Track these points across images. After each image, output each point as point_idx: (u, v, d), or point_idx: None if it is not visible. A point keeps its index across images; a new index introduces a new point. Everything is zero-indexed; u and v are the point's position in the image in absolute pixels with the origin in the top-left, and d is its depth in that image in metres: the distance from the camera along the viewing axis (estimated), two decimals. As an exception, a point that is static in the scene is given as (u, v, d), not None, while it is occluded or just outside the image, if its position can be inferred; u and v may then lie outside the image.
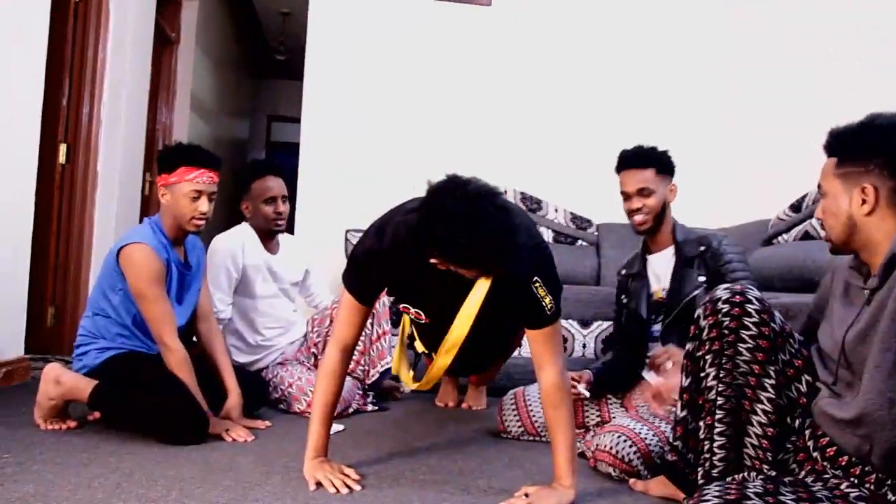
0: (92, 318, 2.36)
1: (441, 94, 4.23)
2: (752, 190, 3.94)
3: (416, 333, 2.61)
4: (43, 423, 2.26)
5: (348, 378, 2.79)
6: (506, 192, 3.95)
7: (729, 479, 1.53)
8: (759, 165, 4.06)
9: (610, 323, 3.16)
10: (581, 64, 4.26)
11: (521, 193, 3.99)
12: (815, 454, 1.53)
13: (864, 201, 1.47)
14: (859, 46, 4.00)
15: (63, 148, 3.65)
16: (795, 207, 3.40)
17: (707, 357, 1.56)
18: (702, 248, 2.41)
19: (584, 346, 3.42)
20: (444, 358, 2.00)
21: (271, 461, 2.01)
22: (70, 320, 3.65)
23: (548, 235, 3.94)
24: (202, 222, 2.36)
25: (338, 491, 1.78)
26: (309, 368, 2.85)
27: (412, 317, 2.13)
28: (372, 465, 2.06)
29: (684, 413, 1.65)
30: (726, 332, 1.54)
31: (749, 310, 1.53)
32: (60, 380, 2.25)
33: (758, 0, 4.25)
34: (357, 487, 1.81)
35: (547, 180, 4.12)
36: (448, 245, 1.58)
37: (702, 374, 1.58)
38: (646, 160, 2.45)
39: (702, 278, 2.36)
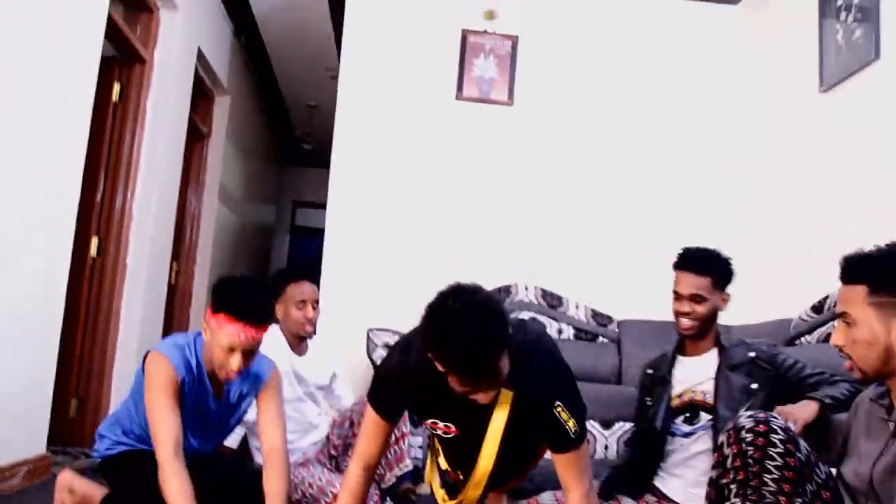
0: (122, 405, 2.35)
1: (463, 189, 4.31)
2: (768, 289, 3.93)
3: (440, 449, 2.56)
4: None
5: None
6: (527, 287, 3.98)
7: None
8: (777, 264, 4.06)
9: (632, 424, 3.11)
10: (601, 162, 4.34)
11: (542, 290, 4.01)
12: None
13: None
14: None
15: (95, 241, 3.74)
16: (817, 309, 3.39)
17: (732, 487, 1.54)
18: (752, 355, 2.35)
19: (607, 447, 3.37)
20: (476, 490, 2.00)
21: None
22: (92, 413, 3.67)
23: (568, 332, 3.93)
24: (233, 377, 2.16)
25: None
26: (330, 470, 2.83)
27: (440, 432, 2.05)
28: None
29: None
30: (751, 461, 1.52)
31: (774, 440, 1.52)
32: (73, 488, 2.27)
33: (779, 108, 4.33)
34: None
35: (567, 277, 4.14)
36: (441, 345, 1.63)
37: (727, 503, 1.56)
38: (706, 267, 2.38)
39: (754, 385, 2.29)
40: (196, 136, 5.12)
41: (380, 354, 3.48)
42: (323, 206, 4.38)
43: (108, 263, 3.79)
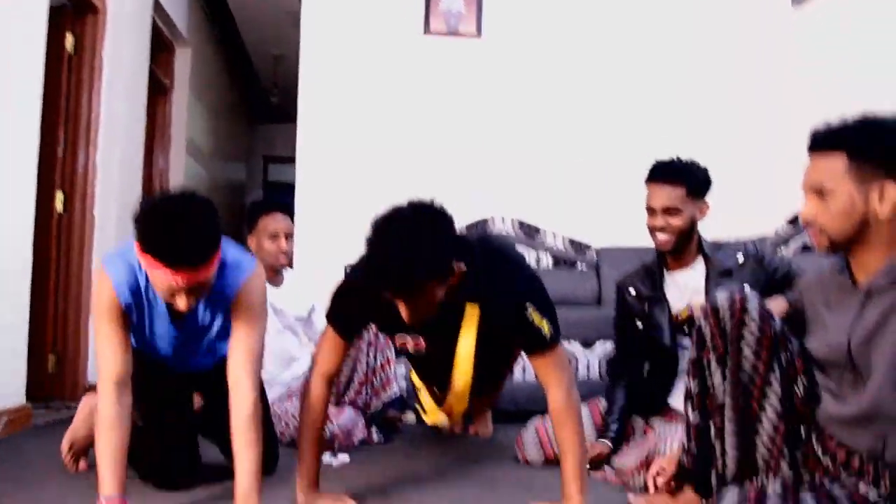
0: None
1: (435, 126, 4.26)
2: (742, 206, 3.93)
3: (415, 371, 2.53)
4: (67, 448, 2.26)
5: (350, 408, 2.76)
6: (503, 219, 3.96)
7: (747, 482, 1.50)
8: (752, 181, 4.07)
9: (612, 342, 3.06)
10: (573, 90, 4.29)
11: (519, 221, 3.99)
12: (824, 460, 1.51)
13: (881, 201, 1.42)
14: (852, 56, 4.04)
15: (60, 196, 3.66)
16: (794, 221, 3.42)
17: (712, 361, 1.55)
18: (740, 259, 2.29)
19: (588, 366, 3.39)
20: (460, 404, 2.06)
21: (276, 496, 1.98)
22: (71, 367, 3.63)
23: (547, 261, 3.93)
24: (187, 310, 1.77)
25: None
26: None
27: (410, 348, 2.04)
28: (378, 494, 2.03)
29: (696, 416, 1.63)
30: (729, 334, 1.52)
31: (749, 310, 1.52)
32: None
33: (750, 24, 4.30)
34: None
35: (544, 207, 4.12)
36: (368, 261, 1.70)
37: (708, 381, 1.57)
38: (678, 176, 2.28)
39: (747, 288, 2.29)
40: (159, 90, 4.99)
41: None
42: (292, 160, 4.31)
43: (75, 219, 3.70)
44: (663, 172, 2.31)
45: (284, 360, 2.93)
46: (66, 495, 1.93)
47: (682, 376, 2.30)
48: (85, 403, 2.32)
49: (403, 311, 1.71)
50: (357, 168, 4.20)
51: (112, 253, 1.90)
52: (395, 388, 2.84)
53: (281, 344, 2.91)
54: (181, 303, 1.71)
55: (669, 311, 2.36)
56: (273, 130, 8.54)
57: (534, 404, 2.77)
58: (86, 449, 2.27)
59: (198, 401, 2.31)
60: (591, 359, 3.39)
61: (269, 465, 2.13)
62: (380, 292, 1.71)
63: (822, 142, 1.51)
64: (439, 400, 2.33)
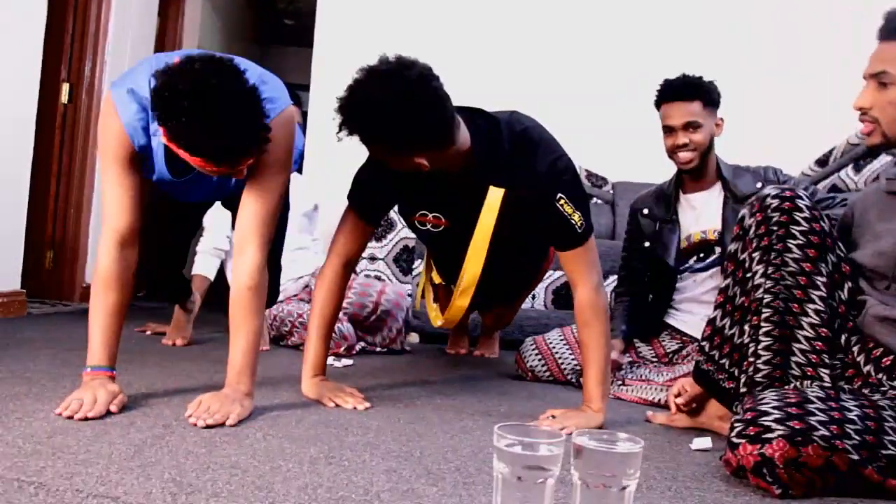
0: None
1: (456, 52, 4.10)
2: (769, 146, 3.81)
3: (433, 263, 2.36)
4: None
5: (347, 324, 2.67)
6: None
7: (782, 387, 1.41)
8: (781, 120, 3.94)
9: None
10: (597, 18, 4.13)
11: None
12: (867, 368, 1.42)
13: None
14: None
15: (66, 87, 3.53)
16: (822, 162, 3.29)
17: (754, 255, 1.44)
18: (759, 185, 2.24)
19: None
20: (463, 298, 1.86)
21: (277, 384, 1.91)
22: (69, 264, 3.54)
23: (563, 192, 3.83)
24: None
25: (352, 407, 1.68)
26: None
27: (430, 226, 1.86)
28: (385, 391, 1.95)
29: (717, 313, 1.53)
30: (775, 227, 1.42)
31: (800, 205, 1.42)
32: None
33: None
34: (366, 405, 1.69)
35: (562, 137, 3.97)
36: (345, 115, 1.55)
37: (748, 275, 1.46)
38: (693, 91, 2.25)
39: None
40: (171, -4, 4.81)
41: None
42: (307, 87, 4.17)
43: (80, 111, 3.58)
44: (677, 89, 2.27)
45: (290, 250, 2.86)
46: (59, 373, 1.85)
47: (683, 300, 2.33)
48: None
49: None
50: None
51: (120, 83, 1.58)
52: (399, 320, 2.77)
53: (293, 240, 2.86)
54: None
55: (679, 236, 2.33)
56: (285, 54, 8.32)
57: (542, 332, 2.69)
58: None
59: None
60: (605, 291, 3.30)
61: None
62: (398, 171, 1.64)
63: (889, 28, 1.39)
64: (446, 299, 2.25)
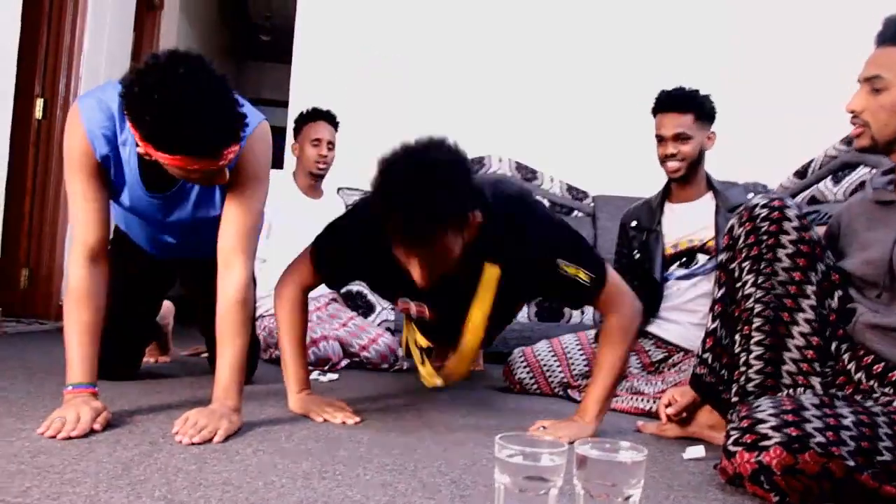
0: None
1: (436, 67, 4.12)
2: (748, 156, 3.86)
3: (415, 328, 2.18)
4: None
5: (334, 342, 2.64)
6: (501, 159, 3.84)
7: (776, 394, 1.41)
8: (758, 133, 3.99)
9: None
10: (578, 35, 4.17)
11: (517, 163, 3.87)
12: (857, 375, 1.43)
13: None
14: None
15: (40, 103, 3.48)
16: (801, 174, 3.33)
17: (744, 265, 1.45)
18: (750, 195, 2.30)
19: (583, 311, 3.31)
20: (462, 365, 1.85)
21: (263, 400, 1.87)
22: (44, 283, 3.47)
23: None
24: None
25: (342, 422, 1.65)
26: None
27: (413, 314, 1.84)
28: (372, 405, 1.93)
29: (716, 325, 1.53)
30: (765, 237, 1.42)
31: (789, 214, 1.43)
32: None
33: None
34: (356, 419, 1.67)
35: (543, 151, 4.02)
36: (383, 205, 1.43)
37: (737, 285, 1.46)
38: (686, 104, 2.31)
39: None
40: (148, 6, 4.76)
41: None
42: (284, 104, 4.15)
43: (55, 127, 3.52)
44: (671, 100, 2.34)
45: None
46: (38, 392, 1.80)
47: (667, 308, 2.35)
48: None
49: (416, 272, 1.49)
50: (355, 114, 4.03)
51: (88, 95, 1.57)
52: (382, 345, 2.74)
53: None
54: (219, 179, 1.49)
55: (663, 244, 2.37)
56: (262, 70, 8.30)
57: (526, 344, 2.68)
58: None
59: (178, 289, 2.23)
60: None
61: (247, 372, 1.84)
62: (385, 250, 1.53)
63: (887, 34, 1.42)
64: (438, 353, 2.22)
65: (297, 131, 3.01)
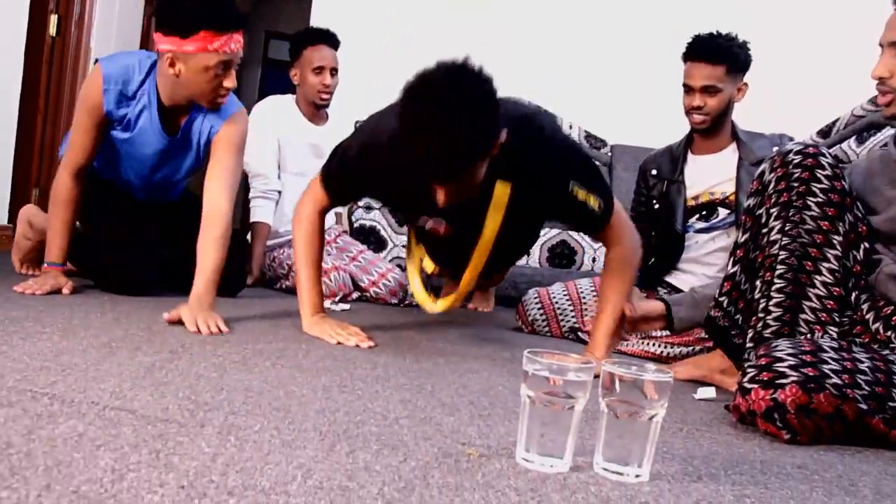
0: None
1: (455, 7, 4.04)
2: (771, 114, 3.81)
3: (426, 252, 2.22)
4: (19, 265, 2.31)
5: (345, 273, 2.64)
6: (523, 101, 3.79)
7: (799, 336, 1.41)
8: (783, 90, 3.92)
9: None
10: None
11: (537, 106, 3.82)
12: (875, 325, 1.43)
13: None
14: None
15: (54, 19, 3.42)
16: (824, 133, 3.29)
17: (772, 210, 1.44)
18: (775, 149, 2.25)
19: (595, 259, 3.31)
20: (466, 286, 1.83)
21: (279, 323, 1.89)
22: (56, 202, 3.47)
23: (559, 152, 3.80)
24: (226, 99, 1.92)
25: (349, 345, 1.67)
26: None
27: (428, 228, 1.82)
28: (386, 333, 1.94)
29: (735, 269, 1.53)
30: (796, 183, 1.41)
31: (823, 163, 1.41)
32: (32, 222, 2.27)
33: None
34: (370, 343, 1.68)
35: (563, 96, 3.94)
36: (412, 132, 1.42)
37: (763, 230, 1.46)
38: (720, 55, 2.19)
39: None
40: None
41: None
42: None
43: (69, 45, 3.47)
44: (704, 49, 2.22)
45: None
46: (52, 300, 1.81)
47: (686, 260, 2.31)
48: (22, 215, 2.32)
49: (440, 195, 1.48)
50: (375, 53, 3.97)
51: (116, 55, 1.99)
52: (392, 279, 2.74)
53: None
54: (230, 80, 1.85)
55: (685, 195, 2.32)
56: (277, 2, 8.15)
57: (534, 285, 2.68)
58: (37, 260, 2.24)
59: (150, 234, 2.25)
60: (599, 251, 3.31)
61: (234, 286, 2.29)
62: (400, 171, 1.55)
63: None
64: (437, 290, 2.21)
65: (295, 54, 2.79)
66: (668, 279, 2.35)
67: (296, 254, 1.80)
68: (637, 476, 0.92)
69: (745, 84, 2.27)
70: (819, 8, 4.03)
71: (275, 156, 2.73)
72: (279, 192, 2.75)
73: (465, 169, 1.44)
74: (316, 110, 2.82)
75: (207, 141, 2.03)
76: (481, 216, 1.66)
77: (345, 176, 1.76)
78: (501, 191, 1.62)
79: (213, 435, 0.89)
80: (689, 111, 2.27)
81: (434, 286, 2.45)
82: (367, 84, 3.90)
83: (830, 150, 3.07)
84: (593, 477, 0.91)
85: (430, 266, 2.26)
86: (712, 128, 2.28)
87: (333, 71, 2.75)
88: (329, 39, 2.77)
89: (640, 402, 0.91)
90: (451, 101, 1.37)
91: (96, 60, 1.96)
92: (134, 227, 2.15)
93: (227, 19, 1.78)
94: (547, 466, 0.91)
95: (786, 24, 4.02)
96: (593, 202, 1.63)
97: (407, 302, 2.70)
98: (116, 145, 2.03)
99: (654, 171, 2.41)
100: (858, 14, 3.68)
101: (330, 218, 2.91)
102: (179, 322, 1.63)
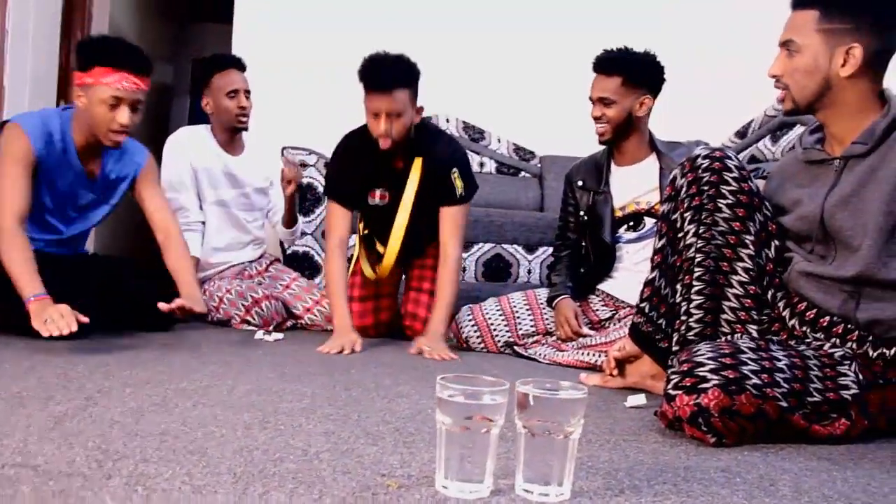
0: None
1: (381, 25, 4.04)
2: (691, 117, 3.91)
3: (369, 232, 2.64)
4: None
5: (277, 302, 2.61)
6: (448, 119, 3.81)
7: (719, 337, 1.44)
8: (698, 92, 4.03)
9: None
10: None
11: (464, 122, 3.85)
12: (791, 322, 1.47)
13: (845, 62, 1.40)
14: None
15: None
16: (741, 134, 3.40)
17: (686, 215, 1.47)
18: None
19: (530, 271, 3.33)
20: (395, 242, 2.42)
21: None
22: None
23: (490, 166, 3.82)
24: (121, 137, 2.04)
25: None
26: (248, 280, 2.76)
27: (378, 200, 2.45)
28: (317, 360, 1.91)
29: (654, 274, 1.55)
30: (706, 187, 1.45)
31: (730, 165, 1.45)
32: None
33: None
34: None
35: (490, 110, 3.99)
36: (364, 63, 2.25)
37: (679, 235, 1.49)
38: (613, 67, 2.26)
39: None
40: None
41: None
42: None
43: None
44: (600, 62, 2.31)
45: (242, 236, 2.82)
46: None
47: (618, 269, 2.35)
48: None
49: (381, 124, 2.19)
50: (296, 75, 3.94)
51: (24, 114, 2.12)
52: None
53: (238, 219, 2.80)
54: (123, 117, 1.96)
55: (612, 206, 2.35)
56: (204, 31, 8.04)
57: (473, 302, 2.68)
58: None
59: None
60: (534, 264, 3.33)
61: (166, 320, 2.24)
62: (362, 153, 2.34)
63: None
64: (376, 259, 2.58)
65: (202, 83, 2.75)
66: (601, 286, 2.38)
67: (331, 280, 2.29)
68: (558, 495, 0.91)
69: (648, 98, 2.29)
70: (730, 12, 4.15)
71: (193, 187, 2.67)
72: (203, 223, 2.69)
73: (397, 84, 2.18)
74: (232, 137, 2.76)
75: (123, 180, 2.26)
76: (405, 185, 2.38)
77: (335, 174, 2.42)
78: (417, 163, 2.37)
79: (120, 487, 0.86)
80: (595, 122, 2.33)
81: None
82: (287, 109, 3.88)
83: (748, 150, 3.21)
84: (514, 500, 0.91)
85: (369, 272, 2.60)
86: (614, 139, 2.32)
87: (247, 93, 2.72)
88: (237, 63, 2.74)
89: (555, 420, 0.91)
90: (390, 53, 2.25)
91: (4, 122, 2.08)
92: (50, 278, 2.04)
93: (121, 58, 1.96)
94: (466, 493, 0.90)
95: (698, 28, 4.14)
96: (460, 186, 2.37)
97: None
98: (40, 189, 2.10)
99: (580, 182, 2.44)
100: (768, 17, 3.81)
101: (271, 241, 2.89)
102: (181, 312, 2.01)
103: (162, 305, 1.96)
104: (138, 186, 2.27)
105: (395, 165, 2.38)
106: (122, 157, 2.22)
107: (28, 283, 1.84)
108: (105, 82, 1.95)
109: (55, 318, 1.71)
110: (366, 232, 2.63)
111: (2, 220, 1.93)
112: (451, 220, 2.35)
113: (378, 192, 2.44)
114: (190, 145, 2.70)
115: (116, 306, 2.17)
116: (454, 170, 2.35)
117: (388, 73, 2.17)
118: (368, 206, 2.47)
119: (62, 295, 1.92)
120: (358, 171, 2.37)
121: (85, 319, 1.75)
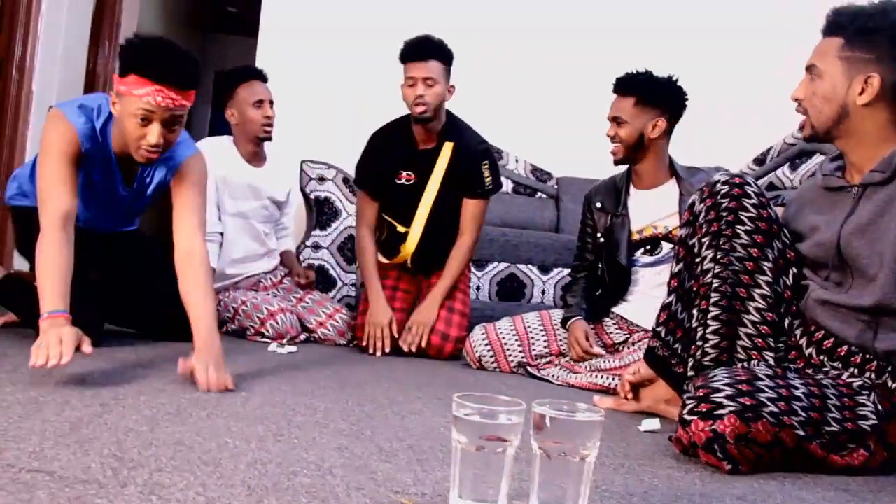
0: (28, 164, 2.16)
1: (402, 42, 4.07)
2: (710, 143, 3.90)
3: (391, 219, 2.73)
4: None
5: (291, 315, 2.61)
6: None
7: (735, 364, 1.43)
8: (718, 119, 4.03)
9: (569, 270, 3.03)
10: (545, 13, 4.16)
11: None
12: (808, 350, 1.46)
13: (862, 90, 1.41)
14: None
15: (-8, 68, 3.36)
16: (760, 161, 3.39)
17: (704, 240, 1.46)
18: None
19: (544, 292, 3.33)
20: (419, 221, 2.60)
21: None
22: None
23: (507, 185, 3.82)
24: (153, 155, 1.77)
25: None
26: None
27: (404, 181, 2.61)
28: (331, 375, 1.91)
29: (671, 299, 1.54)
30: (725, 213, 1.44)
31: (749, 192, 1.44)
32: None
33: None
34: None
35: (508, 131, 4.00)
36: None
37: (696, 260, 1.48)
38: (628, 87, 2.28)
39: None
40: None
41: (313, 187, 3.30)
42: None
43: (10, 88, 3.40)
44: (619, 82, 2.34)
45: (258, 247, 2.82)
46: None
47: (633, 293, 2.33)
48: None
49: (416, 90, 2.48)
50: (318, 90, 3.97)
51: (66, 103, 1.85)
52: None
53: (257, 231, 2.81)
54: (153, 136, 1.71)
55: (629, 229, 2.34)
56: (227, 43, 8.13)
57: (487, 322, 2.68)
58: None
59: (94, 274, 2.19)
60: (548, 284, 3.32)
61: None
62: (391, 139, 2.61)
63: (830, 23, 1.47)
64: (398, 241, 2.69)
65: (227, 95, 2.76)
66: (615, 310, 2.37)
67: (365, 265, 2.59)
68: (572, 517, 0.91)
69: (662, 120, 2.29)
70: (750, 39, 4.16)
71: (214, 198, 2.69)
72: (221, 234, 2.71)
73: (433, 54, 2.51)
74: (257, 147, 2.78)
75: (160, 185, 2.07)
76: (433, 167, 2.55)
77: (366, 162, 2.63)
78: (447, 147, 2.56)
79: (135, 495, 0.86)
80: (610, 141, 2.34)
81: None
82: (308, 124, 3.91)
83: (766, 178, 3.20)
84: (527, 521, 0.90)
85: (402, 228, 2.69)
86: (627, 159, 2.33)
87: (271, 103, 2.75)
88: (260, 75, 2.77)
89: (571, 443, 0.90)
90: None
91: (51, 107, 1.87)
92: (78, 269, 2.01)
93: (158, 68, 1.66)
94: (480, 512, 0.89)
95: (718, 55, 4.14)
96: (488, 180, 2.58)
97: (354, 343, 2.67)
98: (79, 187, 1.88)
99: (598, 204, 2.44)
100: (788, 44, 3.81)
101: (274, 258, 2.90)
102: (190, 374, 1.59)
103: (180, 364, 1.60)
104: (172, 187, 1.94)
105: (424, 148, 2.57)
106: (168, 160, 1.94)
107: (49, 296, 1.59)
108: (136, 94, 1.67)
109: (51, 345, 1.45)
110: (387, 217, 2.70)
111: (44, 221, 1.70)
112: (472, 211, 2.59)
113: (405, 174, 2.60)
114: (212, 157, 2.71)
115: (138, 313, 2.17)
116: (486, 162, 2.56)
117: (425, 44, 2.50)
118: (395, 187, 2.60)
119: (85, 287, 1.92)
120: (387, 155, 2.57)
121: (89, 350, 1.51)
